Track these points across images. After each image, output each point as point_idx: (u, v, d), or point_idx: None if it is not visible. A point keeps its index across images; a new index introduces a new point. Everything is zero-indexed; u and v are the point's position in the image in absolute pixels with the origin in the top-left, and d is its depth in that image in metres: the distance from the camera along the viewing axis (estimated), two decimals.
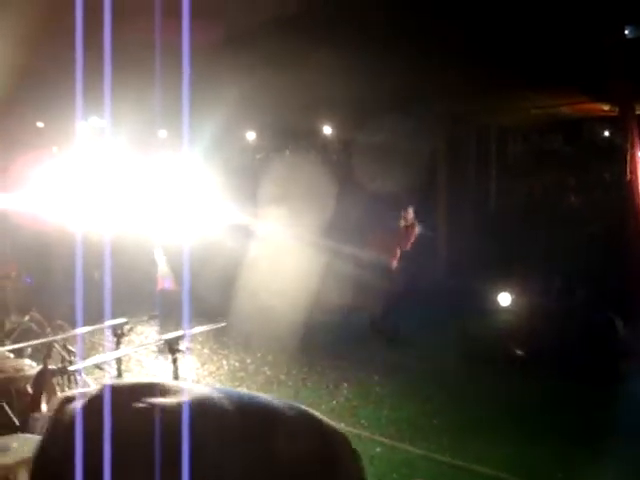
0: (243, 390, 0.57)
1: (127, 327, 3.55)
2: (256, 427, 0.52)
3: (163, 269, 7.19)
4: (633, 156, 5.53)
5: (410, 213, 7.87)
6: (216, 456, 0.51)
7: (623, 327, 6.06)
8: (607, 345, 6.22)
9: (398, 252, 7.76)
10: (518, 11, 7.91)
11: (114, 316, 3.67)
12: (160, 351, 5.85)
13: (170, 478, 0.48)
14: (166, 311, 5.92)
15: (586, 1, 6.16)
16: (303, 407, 0.58)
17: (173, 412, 0.51)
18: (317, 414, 0.57)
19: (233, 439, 0.52)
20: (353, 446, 0.59)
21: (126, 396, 0.54)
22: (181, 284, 6.96)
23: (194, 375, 5.99)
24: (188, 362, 6.39)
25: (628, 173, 5.55)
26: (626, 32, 9.98)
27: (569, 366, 5.81)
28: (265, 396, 0.58)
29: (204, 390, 0.56)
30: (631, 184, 5.54)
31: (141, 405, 0.53)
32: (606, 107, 9.47)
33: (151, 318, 4.98)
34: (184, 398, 0.53)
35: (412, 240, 7.79)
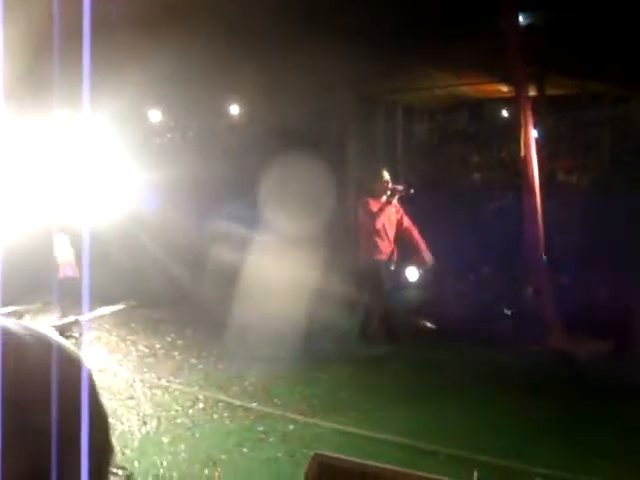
0: None
1: (15, 315, 3.36)
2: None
3: (65, 255, 6.87)
4: (526, 135, 5.83)
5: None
6: None
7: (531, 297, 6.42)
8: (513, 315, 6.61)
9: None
10: None
11: (3, 304, 3.47)
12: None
13: None
14: (67, 298, 5.68)
15: None
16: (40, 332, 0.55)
17: None
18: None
19: None
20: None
21: None
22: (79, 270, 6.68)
23: (100, 363, 5.78)
24: (94, 350, 6.17)
25: (522, 151, 5.85)
26: (520, 18, 10.42)
27: (477, 335, 6.12)
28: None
29: None
30: (524, 162, 5.84)
31: None
32: (505, 88, 9.92)
33: (45, 306, 4.73)
34: None
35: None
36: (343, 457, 1.33)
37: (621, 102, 13.89)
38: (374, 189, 6.09)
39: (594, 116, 13.89)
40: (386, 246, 6.08)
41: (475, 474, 1.20)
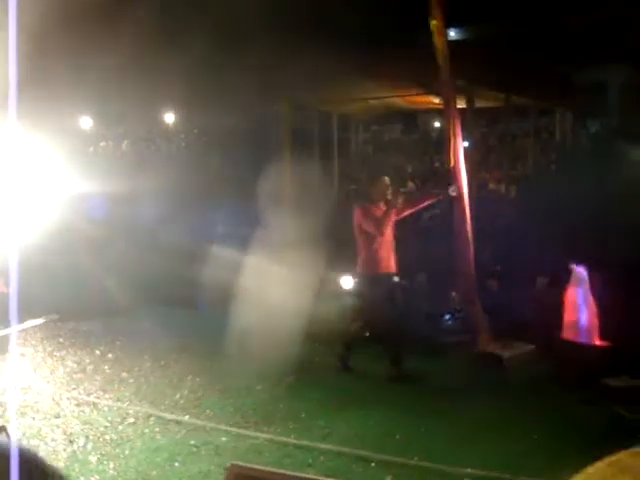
0: None
1: None
2: None
3: None
4: (455, 145, 6.01)
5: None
6: None
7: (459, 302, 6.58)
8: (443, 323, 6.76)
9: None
10: (356, 7, 8.24)
11: None
12: None
13: None
14: None
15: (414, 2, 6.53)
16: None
17: None
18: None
19: None
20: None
21: None
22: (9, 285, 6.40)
23: (25, 381, 5.54)
24: (19, 367, 5.91)
25: (450, 161, 6.02)
26: (451, 33, 10.74)
27: (410, 341, 6.23)
28: None
29: None
30: (454, 171, 6.01)
31: None
32: (436, 100, 10.21)
33: None
34: None
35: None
36: (261, 467, 1.32)
37: (545, 114, 14.55)
38: (370, 194, 5.69)
39: (520, 128, 14.48)
40: (390, 257, 5.65)
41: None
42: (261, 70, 8.60)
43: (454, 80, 6.38)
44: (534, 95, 10.97)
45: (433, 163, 14.84)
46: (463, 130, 6.53)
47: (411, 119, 17.39)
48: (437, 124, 16.98)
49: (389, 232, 5.63)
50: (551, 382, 5.35)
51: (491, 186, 11.82)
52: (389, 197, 5.64)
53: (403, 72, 8.77)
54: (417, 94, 10.31)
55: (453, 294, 6.82)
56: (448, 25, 6.44)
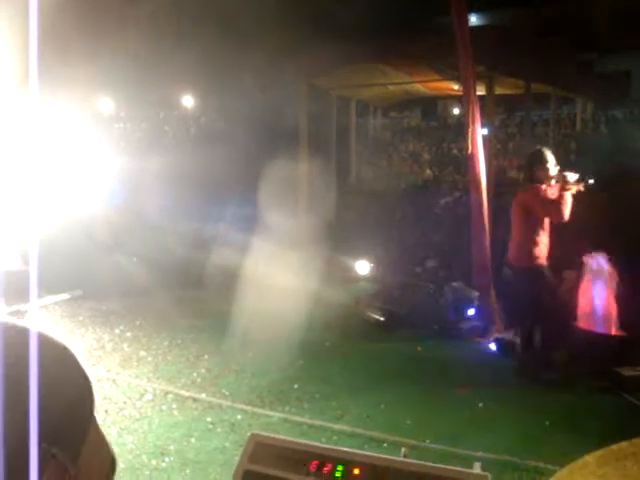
0: None
1: None
2: None
3: (9, 248, 6.71)
4: (473, 132, 6.00)
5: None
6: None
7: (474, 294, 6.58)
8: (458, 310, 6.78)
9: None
10: None
11: None
12: None
13: None
14: (12, 289, 5.54)
15: None
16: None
17: None
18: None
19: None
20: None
21: None
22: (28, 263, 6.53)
23: None
24: None
25: (469, 148, 6.02)
26: (472, 19, 10.61)
27: (425, 328, 6.28)
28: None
29: None
30: (471, 158, 6.01)
31: None
32: (455, 86, 10.15)
33: None
34: None
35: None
36: (281, 437, 1.38)
37: (565, 103, 14.39)
38: (536, 174, 4.98)
39: (540, 116, 14.35)
40: (546, 247, 5.07)
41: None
42: (279, 54, 8.62)
43: (474, 66, 6.36)
44: (555, 83, 10.85)
45: (451, 150, 14.77)
46: (482, 117, 6.51)
47: (430, 105, 17.28)
48: (456, 111, 16.87)
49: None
50: (564, 370, 5.37)
51: (511, 174, 11.77)
52: (555, 177, 4.92)
53: (424, 57, 8.73)
54: (437, 80, 10.25)
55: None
56: (469, 10, 6.41)
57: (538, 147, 5.19)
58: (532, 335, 5.22)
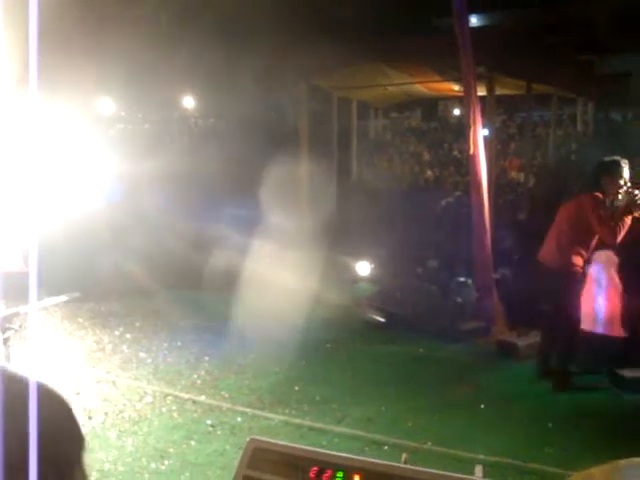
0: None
1: None
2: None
3: (9, 249, 6.68)
4: (474, 133, 5.98)
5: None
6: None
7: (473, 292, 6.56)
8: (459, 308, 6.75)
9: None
10: None
11: None
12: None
13: None
14: (11, 291, 5.54)
15: None
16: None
17: None
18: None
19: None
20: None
21: None
22: (28, 264, 6.50)
23: (46, 358, 5.66)
24: (39, 345, 6.03)
25: (470, 148, 5.99)
26: (473, 20, 10.59)
27: (426, 329, 6.25)
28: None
29: None
30: (472, 159, 5.99)
31: None
32: (456, 87, 10.13)
33: None
34: None
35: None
36: (280, 442, 1.35)
37: (566, 104, 14.37)
38: (603, 182, 4.62)
39: (541, 116, 14.33)
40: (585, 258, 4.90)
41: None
42: (279, 55, 8.59)
43: (475, 67, 6.33)
44: (555, 84, 10.84)
45: (452, 151, 14.75)
46: (483, 118, 6.49)
47: (431, 106, 17.27)
48: (457, 112, 16.85)
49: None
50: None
51: (512, 174, 11.74)
52: (623, 192, 4.52)
53: (424, 58, 8.71)
54: (438, 81, 10.23)
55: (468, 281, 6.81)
56: (470, 11, 6.39)
57: (615, 157, 4.68)
58: (553, 337, 5.15)
